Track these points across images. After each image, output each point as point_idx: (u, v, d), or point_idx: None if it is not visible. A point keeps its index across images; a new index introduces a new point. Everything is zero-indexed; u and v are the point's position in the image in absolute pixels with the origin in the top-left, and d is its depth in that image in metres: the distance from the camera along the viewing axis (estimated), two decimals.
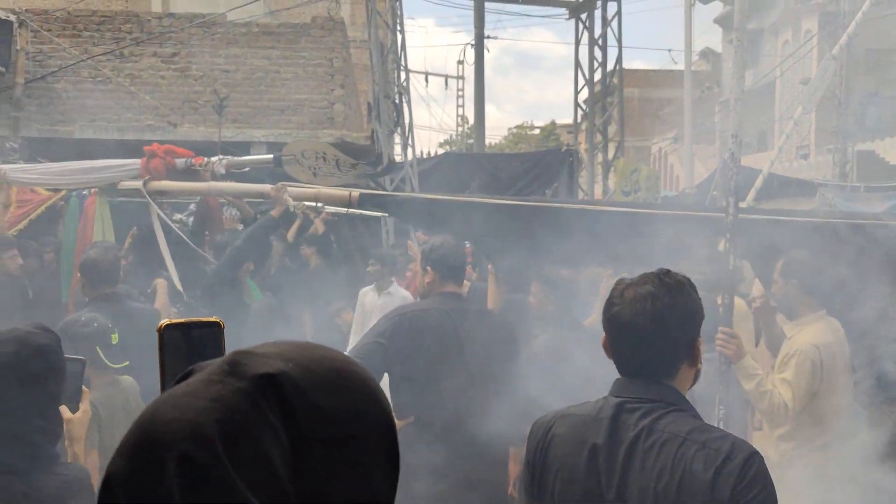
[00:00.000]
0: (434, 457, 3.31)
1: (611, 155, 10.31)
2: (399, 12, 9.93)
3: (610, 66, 10.16)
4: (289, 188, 4.76)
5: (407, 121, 9.93)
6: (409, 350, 3.33)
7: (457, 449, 3.30)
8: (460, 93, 24.95)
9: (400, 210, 5.21)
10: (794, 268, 3.46)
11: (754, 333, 4.92)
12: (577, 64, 10.14)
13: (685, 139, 9.63)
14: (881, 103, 18.23)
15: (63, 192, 5.86)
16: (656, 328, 1.69)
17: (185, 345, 0.86)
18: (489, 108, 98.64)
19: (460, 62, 22.44)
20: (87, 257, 4.24)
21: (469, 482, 3.30)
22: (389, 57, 9.97)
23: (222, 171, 5.35)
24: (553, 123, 44.60)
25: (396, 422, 3.08)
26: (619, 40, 9.65)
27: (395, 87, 9.92)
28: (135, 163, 5.59)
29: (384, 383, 3.52)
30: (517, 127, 49.35)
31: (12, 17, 9.10)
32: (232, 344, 0.81)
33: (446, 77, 24.41)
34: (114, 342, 3.06)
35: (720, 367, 3.30)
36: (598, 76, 10.26)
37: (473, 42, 12.36)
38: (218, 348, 0.88)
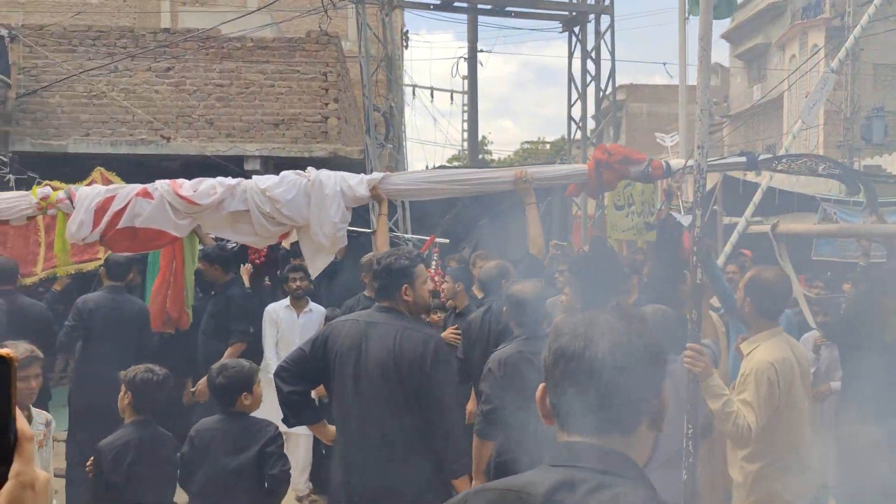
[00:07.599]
0: None
1: None
2: (389, 25, 9.88)
3: (604, 81, 10.09)
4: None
5: (400, 134, 9.87)
6: None
7: None
8: (465, 107, 24.92)
9: None
10: (752, 285, 3.35)
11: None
12: (571, 77, 10.07)
13: (680, 153, 9.52)
14: (887, 118, 18.06)
15: None
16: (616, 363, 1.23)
17: None
18: (505, 123, 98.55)
19: (464, 77, 22.41)
20: None
21: None
22: (381, 70, 9.93)
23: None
24: (563, 139, 44.62)
25: None
26: (612, 53, 9.60)
27: (385, 100, 9.87)
28: (580, 170, 4.63)
29: None
30: (529, 142, 49.45)
31: (3, 32, 9.17)
32: None
33: (451, 92, 24.40)
34: None
35: (688, 385, 3.17)
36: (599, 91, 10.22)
37: (466, 56, 12.33)
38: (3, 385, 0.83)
